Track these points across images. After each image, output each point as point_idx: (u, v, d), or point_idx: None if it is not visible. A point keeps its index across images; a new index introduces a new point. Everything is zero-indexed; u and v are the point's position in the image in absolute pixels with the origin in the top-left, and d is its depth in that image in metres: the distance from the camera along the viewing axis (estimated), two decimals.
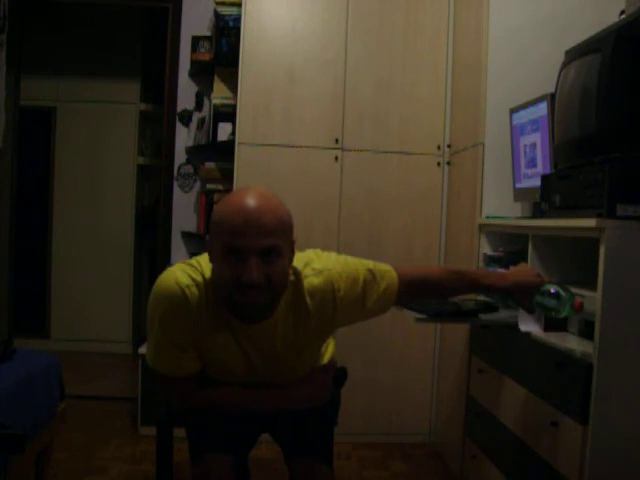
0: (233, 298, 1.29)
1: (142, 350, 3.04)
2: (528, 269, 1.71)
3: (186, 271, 1.38)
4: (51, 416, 2.15)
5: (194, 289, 1.36)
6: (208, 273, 1.37)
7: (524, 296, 1.65)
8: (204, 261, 1.39)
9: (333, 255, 1.50)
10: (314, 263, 1.43)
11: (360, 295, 1.44)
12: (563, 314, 1.62)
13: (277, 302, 1.36)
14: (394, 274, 1.50)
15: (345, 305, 1.43)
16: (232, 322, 1.37)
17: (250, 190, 1.32)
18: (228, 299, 1.31)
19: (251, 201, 1.27)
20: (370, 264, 1.49)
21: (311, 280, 1.41)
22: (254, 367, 1.46)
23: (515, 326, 2.02)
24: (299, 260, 1.43)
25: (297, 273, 1.41)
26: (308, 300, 1.40)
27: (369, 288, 1.45)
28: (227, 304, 1.33)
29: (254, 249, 1.25)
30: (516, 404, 2.05)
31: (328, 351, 1.70)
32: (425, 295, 1.68)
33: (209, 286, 1.36)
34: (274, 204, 1.30)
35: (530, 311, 1.68)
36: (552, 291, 1.60)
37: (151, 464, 2.56)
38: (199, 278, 1.37)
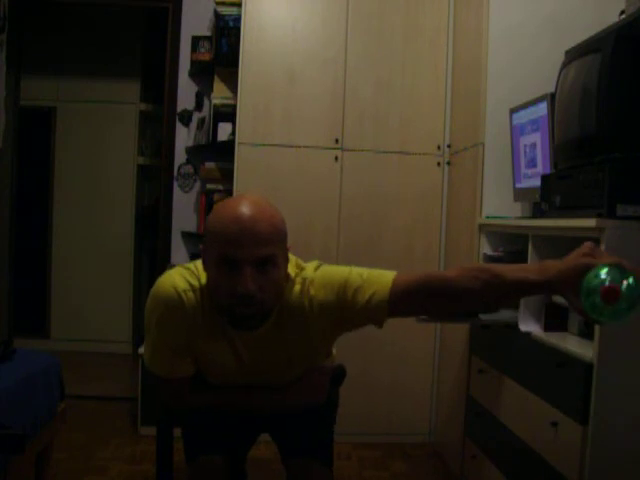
0: (230, 309, 1.28)
1: (142, 350, 3.03)
2: (584, 248, 1.14)
3: (183, 275, 1.38)
4: (51, 416, 2.15)
5: (190, 294, 1.35)
6: (205, 278, 1.36)
7: (573, 293, 1.09)
8: (201, 266, 1.38)
9: (330, 266, 1.42)
10: (305, 271, 1.39)
11: (337, 304, 1.33)
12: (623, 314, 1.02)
13: (272, 310, 1.34)
14: (387, 281, 1.30)
15: (318, 314, 1.35)
16: (226, 328, 1.37)
17: (244, 198, 1.29)
18: (225, 309, 1.30)
19: (246, 210, 1.25)
20: (365, 272, 1.34)
21: (296, 289, 1.38)
22: (248, 371, 1.46)
23: (515, 326, 2.03)
24: (295, 267, 1.41)
25: (289, 281, 1.38)
26: (290, 309, 1.38)
27: (351, 296, 1.31)
28: (223, 313, 1.32)
29: (249, 259, 1.23)
30: (516, 404, 2.06)
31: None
32: (434, 302, 1.31)
33: (205, 291, 1.36)
34: (269, 212, 1.28)
35: (585, 316, 1.10)
36: (602, 276, 1.02)
37: (151, 464, 2.55)
38: (196, 283, 1.37)
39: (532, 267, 1.24)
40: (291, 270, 1.39)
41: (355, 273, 1.34)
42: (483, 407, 2.38)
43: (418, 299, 1.31)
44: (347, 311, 1.34)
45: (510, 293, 1.27)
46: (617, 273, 1.03)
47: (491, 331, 2.34)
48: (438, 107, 3.13)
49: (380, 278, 1.32)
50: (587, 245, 1.15)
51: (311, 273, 1.39)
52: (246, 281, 1.23)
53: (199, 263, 1.40)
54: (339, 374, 1.73)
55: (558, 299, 1.90)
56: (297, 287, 1.37)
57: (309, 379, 1.55)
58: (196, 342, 1.40)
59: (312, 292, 1.35)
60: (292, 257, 1.42)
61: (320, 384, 1.57)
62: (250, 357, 1.43)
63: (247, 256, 1.23)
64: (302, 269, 1.40)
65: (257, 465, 1.95)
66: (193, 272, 1.39)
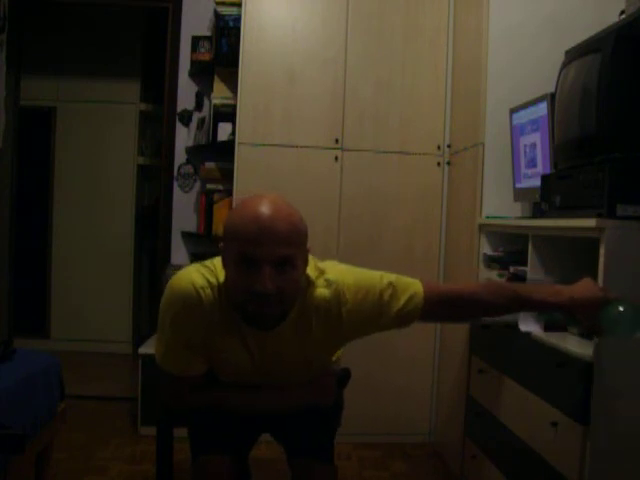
0: (245, 306, 1.28)
1: (142, 350, 3.04)
2: (591, 284, 1.46)
3: (202, 272, 1.38)
4: (51, 416, 2.15)
5: (208, 291, 1.35)
6: (222, 276, 1.36)
7: (585, 315, 1.42)
8: (219, 263, 1.38)
9: (350, 267, 1.45)
10: (327, 274, 1.40)
11: (374, 309, 1.39)
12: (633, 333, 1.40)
13: (289, 311, 1.35)
14: (419, 288, 1.41)
15: (353, 319, 1.39)
16: (242, 326, 1.37)
17: (265, 198, 1.29)
18: (240, 307, 1.30)
19: (266, 209, 1.25)
20: (392, 277, 1.41)
21: (321, 292, 1.38)
22: (261, 371, 1.46)
23: (515, 326, 2.03)
24: (314, 269, 1.41)
25: (309, 283, 1.39)
26: (314, 312, 1.38)
27: (387, 302, 1.39)
28: (239, 311, 1.32)
29: (268, 259, 1.23)
30: (516, 404, 2.06)
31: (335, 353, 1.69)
32: (460, 312, 1.51)
33: (223, 289, 1.36)
34: (289, 212, 1.28)
35: (595, 333, 1.48)
36: (621, 309, 1.39)
37: (151, 464, 2.55)
38: (214, 280, 1.36)
39: (546, 289, 1.50)
40: (310, 271, 1.39)
41: (385, 278, 1.41)
42: (483, 407, 2.38)
43: (446, 309, 1.46)
44: (383, 316, 1.39)
45: (525, 309, 1.55)
46: (632, 307, 1.38)
47: (491, 331, 2.34)
48: (438, 107, 3.12)
49: (409, 284, 1.42)
50: (593, 282, 1.47)
51: (337, 275, 1.40)
52: (264, 280, 1.23)
53: (217, 261, 1.40)
54: (344, 377, 1.73)
55: None
56: (323, 290, 1.38)
57: (316, 381, 1.55)
58: (211, 340, 1.39)
59: (348, 296, 1.38)
60: (310, 258, 1.41)
61: (327, 386, 1.58)
62: (263, 357, 1.43)
63: (266, 255, 1.23)
64: (322, 271, 1.41)
65: (260, 465, 1.96)
66: (211, 269, 1.39)
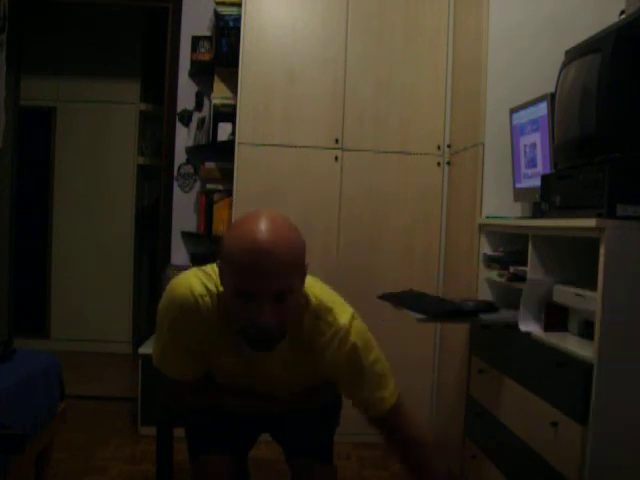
0: (245, 331, 1.26)
1: (142, 350, 3.04)
2: None
3: (201, 279, 1.36)
4: (51, 416, 2.15)
5: (207, 299, 1.34)
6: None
7: None
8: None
9: (363, 328, 1.43)
10: (338, 315, 1.37)
11: (348, 374, 1.41)
12: None
13: (287, 332, 1.33)
14: (392, 400, 1.45)
15: (328, 366, 1.40)
16: (239, 340, 1.36)
17: (262, 220, 1.21)
18: (240, 331, 1.27)
19: (263, 236, 1.18)
20: (385, 369, 1.45)
21: (322, 326, 1.36)
22: (259, 380, 1.47)
23: (515, 326, 2.03)
24: (321, 301, 1.38)
25: (312, 310, 1.37)
26: (308, 340, 1.37)
27: (362, 382, 1.41)
28: (239, 333, 1.29)
29: (267, 293, 1.20)
30: (516, 404, 2.05)
31: None
32: (387, 438, 1.59)
33: (222, 297, 1.34)
34: (286, 236, 1.22)
35: None
36: None
37: (151, 464, 2.55)
38: (213, 288, 1.35)
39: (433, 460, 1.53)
40: (312, 295, 1.37)
41: (379, 366, 1.44)
42: (483, 407, 2.38)
43: (384, 430, 1.53)
44: (348, 387, 1.44)
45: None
46: None
47: (491, 331, 2.34)
48: (438, 107, 3.13)
49: (389, 389, 1.45)
50: None
51: (348, 325, 1.38)
52: (265, 315, 1.20)
53: (217, 267, 1.37)
54: None
55: (559, 299, 1.90)
56: (325, 326, 1.36)
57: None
58: (209, 345, 1.39)
59: (340, 347, 1.36)
60: (319, 286, 1.41)
61: (326, 387, 1.58)
62: (263, 367, 1.43)
63: (265, 290, 1.19)
64: (331, 308, 1.38)
65: (259, 465, 1.96)
66: (210, 276, 1.37)
